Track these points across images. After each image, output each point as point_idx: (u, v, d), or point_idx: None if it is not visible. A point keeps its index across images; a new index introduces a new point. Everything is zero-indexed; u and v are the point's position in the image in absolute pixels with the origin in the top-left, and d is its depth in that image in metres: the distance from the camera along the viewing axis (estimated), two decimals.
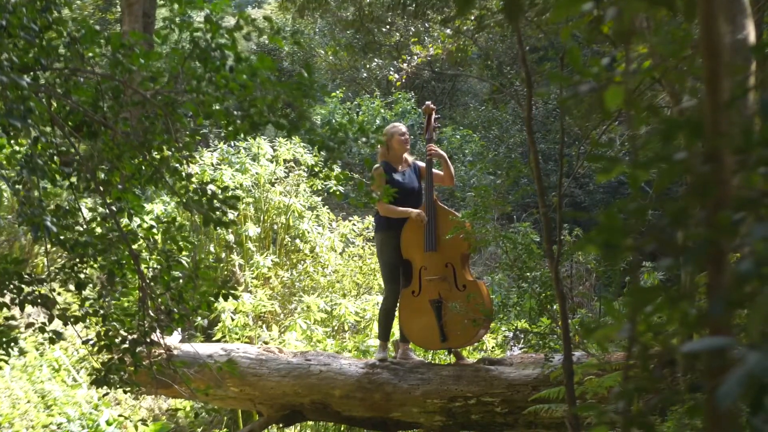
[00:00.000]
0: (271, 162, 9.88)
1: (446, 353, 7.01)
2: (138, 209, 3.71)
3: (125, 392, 3.77)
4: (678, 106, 5.04)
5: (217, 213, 3.50)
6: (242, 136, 3.70)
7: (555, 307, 6.20)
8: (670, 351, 2.10)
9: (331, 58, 18.71)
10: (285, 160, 9.94)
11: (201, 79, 3.50)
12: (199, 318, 8.77)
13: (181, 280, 3.60)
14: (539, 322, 7.18)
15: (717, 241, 1.74)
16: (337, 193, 5.02)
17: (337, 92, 15.49)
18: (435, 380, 6.33)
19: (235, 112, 3.56)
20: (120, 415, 6.45)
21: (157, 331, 3.61)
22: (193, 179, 3.56)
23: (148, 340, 3.59)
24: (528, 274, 5.91)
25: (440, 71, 18.18)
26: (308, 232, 9.62)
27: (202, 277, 3.54)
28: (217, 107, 3.51)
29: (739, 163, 1.76)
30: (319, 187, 9.94)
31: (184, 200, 3.52)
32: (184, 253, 3.64)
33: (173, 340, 7.45)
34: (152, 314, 3.59)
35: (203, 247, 9.34)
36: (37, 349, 7.36)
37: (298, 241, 9.70)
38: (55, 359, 7.31)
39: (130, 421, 6.61)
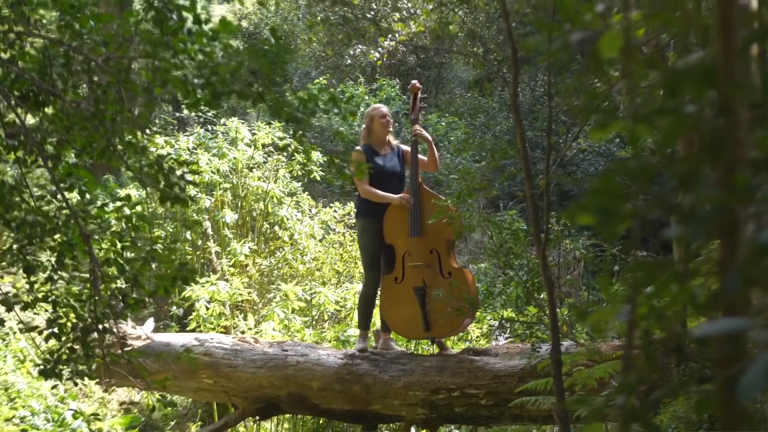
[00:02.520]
0: (250, 147, 9.58)
1: (429, 343, 6.81)
2: (91, 186, 3.42)
3: (75, 384, 3.47)
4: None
5: (175, 189, 3.20)
6: (216, 111, 3.42)
7: (542, 295, 6.03)
8: (677, 337, 1.83)
9: (315, 44, 18.40)
10: (264, 145, 9.64)
11: (157, 43, 3.21)
12: (175, 307, 8.60)
13: (136, 263, 3.30)
14: (525, 311, 6.95)
15: (731, 207, 1.48)
16: (311, 172, 4.76)
17: (321, 79, 15.17)
18: (417, 371, 6.12)
19: (195, 81, 3.28)
20: (74, 411, 6.14)
21: (111, 318, 3.32)
22: (150, 153, 3.26)
23: (100, 327, 3.30)
24: (515, 261, 5.71)
25: (425, 55, 17.90)
26: (287, 219, 9.33)
27: (158, 260, 3.24)
28: (176, 74, 3.24)
29: (755, 119, 1.51)
30: (299, 173, 9.65)
31: (139, 175, 3.22)
32: (156, 235, 3.35)
33: (146, 329, 7.19)
34: (105, 299, 3.30)
35: (179, 234, 9.04)
36: (3, 340, 7.05)
37: (276, 228, 9.43)
38: (19, 350, 7.00)
39: (83, 415, 6.31)
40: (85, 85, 3.43)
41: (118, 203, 3.43)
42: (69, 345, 3.34)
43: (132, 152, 3.29)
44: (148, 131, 3.24)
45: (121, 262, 3.30)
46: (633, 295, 1.69)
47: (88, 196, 3.41)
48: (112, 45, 3.29)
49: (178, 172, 3.32)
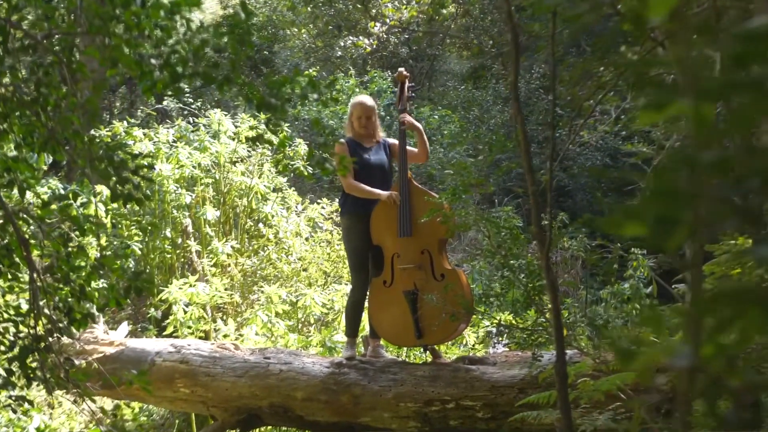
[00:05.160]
0: (233, 140, 9.16)
1: (421, 351, 6.42)
2: (32, 182, 2.97)
3: (14, 412, 3.02)
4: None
5: (127, 186, 2.75)
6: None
7: (543, 298, 5.70)
8: (754, 387, 1.40)
9: (304, 35, 17.98)
10: (247, 138, 9.21)
11: (106, 17, 2.77)
12: (153, 309, 8.17)
13: (83, 272, 2.85)
14: (523, 315, 6.55)
15: None
16: (286, 167, 4.32)
17: (311, 71, 14.74)
18: (409, 381, 5.72)
19: (152, 61, 2.84)
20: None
21: (53, 335, 2.87)
22: (98, 145, 2.80)
23: (42, 345, 2.85)
24: (513, 261, 5.34)
25: (417, 46, 17.51)
26: (272, 216, 8.94)
27: (108, 267, 2.79)
28: (129, 53, 2.80)
29: None
30: (288, 167, 9.24)
31: (87, 170, 2.77)
32: (88, 238, 2.90)
33: (120, 334, 6.78)
34: (47, 314, 2.85)
35: (159, 232, 8.61)
36: None
37: (261, 225, 9.05)
38: None
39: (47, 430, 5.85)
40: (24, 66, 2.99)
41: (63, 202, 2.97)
42: (5, 367, 2.89)
43: (79, 143, 2.83)
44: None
45: (66, 270, 2.85)
46: (695, 332, 1.27)
47: (29, 194, 2.96)
48: (54, 19, 2.85)
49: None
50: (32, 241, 2.86)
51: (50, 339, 2.88)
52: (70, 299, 2.86)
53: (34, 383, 2.94)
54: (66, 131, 2.84)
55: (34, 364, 2.89)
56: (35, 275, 2.82)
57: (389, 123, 12.46)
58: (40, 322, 2.85)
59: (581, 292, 9.37)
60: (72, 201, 2.93)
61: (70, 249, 2.87)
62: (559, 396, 3.93)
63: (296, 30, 18.43)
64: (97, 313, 3.00)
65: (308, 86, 2.96)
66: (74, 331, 2.88)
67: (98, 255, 2.86)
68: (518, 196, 12.45)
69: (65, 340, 3.41)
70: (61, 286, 2.87)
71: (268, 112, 2.89)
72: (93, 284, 2.83)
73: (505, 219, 6.38)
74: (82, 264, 2.88)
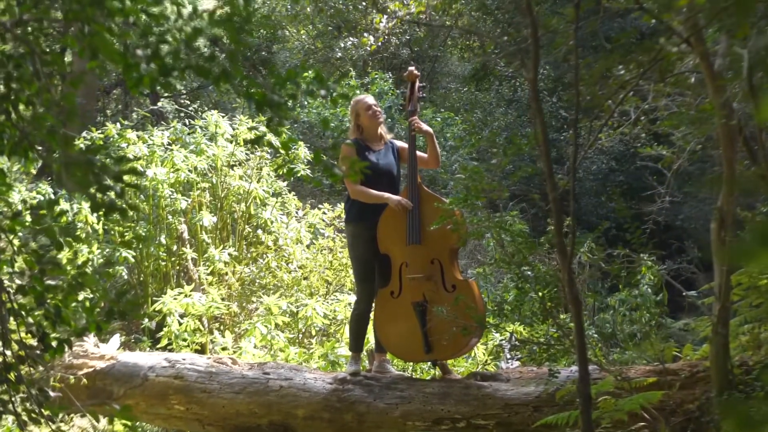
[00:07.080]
0: (230, 142, 8.88)
1: (430, 366, 6.17)
2: (2, 189, 2.64)
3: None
4: (709, 68, 4.12)
5: (109, 194, 2.42)
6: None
7: (560, 311, 5.44)
8: None
9: (303, 36, 17.71)
10: (245, 140, 8.95)
11: (86, 1, 2.44)
12: (147, 319, 7.86)
13: (59, 291, 2.52)
14: (535, 326, 6.26)
15: None
16: (292, 170, 4.00)
17: (310, 72, 14.46)
18: (417, 398, 5.48)
19: (139, 51, 2.51)
20: None
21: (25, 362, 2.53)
22: (75, 147, 2.47)
23: (11, 377, 2.51)
24: (528, 270, 5.08)
25: (419, 48, 17.26)
26: (271, 222, 8.70)
27: (87, 287, 2.46)
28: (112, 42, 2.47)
29: None
30: (285, 171, 8.99)
31: (62, 176, 2.43)
32: (66, 252, 2.57)
33: (111, 347, 6.46)
34: (18, 339, 2.52)
35: (153, 238, 8.31)
36: None
37: (259, 231, 8.80)
38: None
39: None
40: None
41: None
42: None
43: (54, 145, 2.50)
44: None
45: (40, 289, 2.52)
46: None
47: None
48: (27, 4, 2.52)
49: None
50: (1, 256, 2.53)
51: (21, 367, 2.54)
52: (44, 323, 2.53)
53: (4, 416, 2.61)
54: (40, 132, 2.50)
55: (4, 396, 2.56)
56: (4, 295, 2.49)
57: (390, 125, 12.20)
58: (9, 349, 2.52)
59: (588, 300, 9.11)
60: (46, 211, 2.59)
61: (44, 266, 2.54)
62: (581, 418, 3.65)
63: (295, 31, 18.19)
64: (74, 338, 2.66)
65: (315, 82, 2.65)
66: (49, 358, 2.55)
67: (78, 272, 2.52)
68: (523, 200, 12.20)
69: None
70: (34, 307, 2.54)
71: (270, 109, 2.57)
72: (72, 305, 2.50)
73: (511, 225, 6.09)
74: (59, 282, 2.55)
